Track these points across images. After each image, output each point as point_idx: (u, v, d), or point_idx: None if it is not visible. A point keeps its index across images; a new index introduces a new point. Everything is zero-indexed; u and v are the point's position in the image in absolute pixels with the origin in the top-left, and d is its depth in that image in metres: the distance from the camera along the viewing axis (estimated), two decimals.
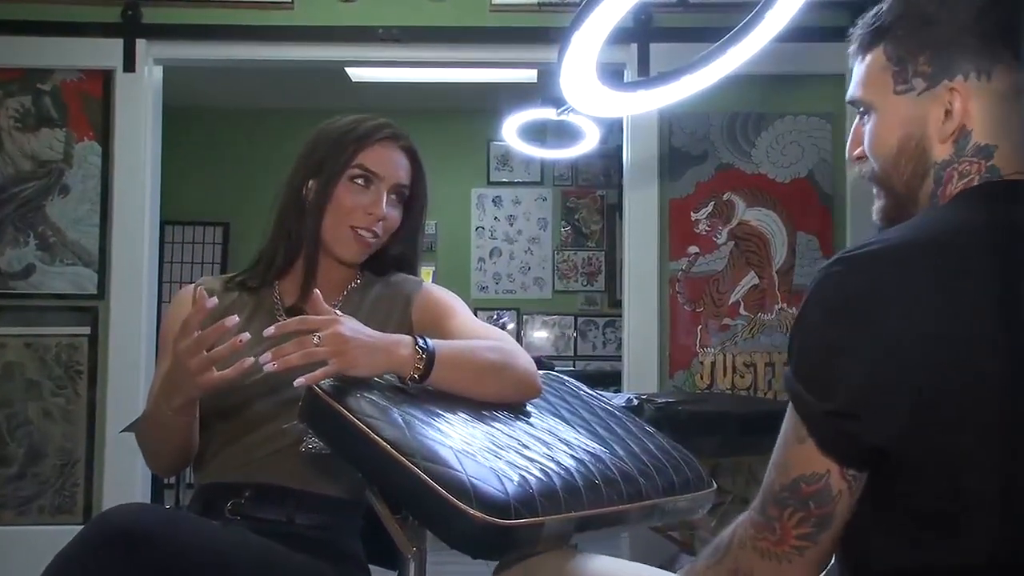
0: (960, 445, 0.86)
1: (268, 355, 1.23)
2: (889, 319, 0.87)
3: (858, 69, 1.06)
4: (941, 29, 0.97)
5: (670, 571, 1.14)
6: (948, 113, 0.98)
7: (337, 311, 1.32)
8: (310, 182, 1.58)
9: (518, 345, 1.47)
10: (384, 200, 1.56)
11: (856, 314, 0.88)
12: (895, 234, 0.94)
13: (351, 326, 1.26)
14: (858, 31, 1.05)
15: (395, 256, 1.66)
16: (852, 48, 1.07)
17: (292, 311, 1.58)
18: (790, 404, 0.94)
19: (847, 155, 1.11)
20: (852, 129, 1.10)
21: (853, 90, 1.07)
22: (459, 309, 1.57)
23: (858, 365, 0.87)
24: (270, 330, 1.27)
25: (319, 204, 1.56)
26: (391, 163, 1.58)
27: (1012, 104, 0.96)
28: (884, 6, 1.03)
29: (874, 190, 1.08)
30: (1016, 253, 0.87)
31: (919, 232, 0.94)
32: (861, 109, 1.07)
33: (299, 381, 1.21)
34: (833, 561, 1.01)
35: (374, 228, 1.56)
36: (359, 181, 1.56)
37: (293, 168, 1.61)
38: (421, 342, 1.30)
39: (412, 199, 1.63)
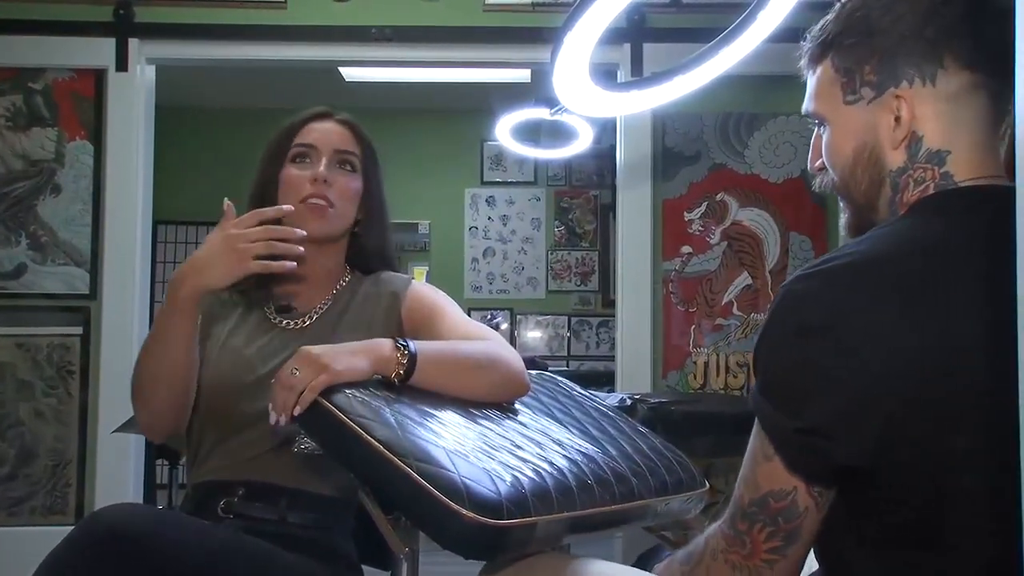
0: (933, 457, 0.86)
1: (272, 415, 1.23)
2: (856, 337, 0.87)
3: (810, 82, 1.07)
4: (883, 38, 0.98)
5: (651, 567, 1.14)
6: (897, 120, 0.98)
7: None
8: (260, 188, 1.61)
9: (506, 343, 1.47)
10: (324, 163, 1.58)
11: (822, 332, 0.88)
12: (856, 248, 0.94)
13: (318, 347, 1.25)
14: (806, 45, 1.06)
15: (372, 247, 1.66)
16: (802, 62, 1.08)
17: (282, 309, 1.61)
18: (756, 421, 0.94)
19: (808, 166, 1.12)
20: (812, 141, 1.11)
21: (807, 103, 1.08)
22: (449, 308, 1.57)
23: (828, 384, 0.87)
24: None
25: (270, 196, 1.58)
26: (324, 133, 1.62)
27: (961, 109, 0.97)
28: (829, 19, 1.04)
29: (840, 203, 1.09)
30: (975, 263, 0.87)
31: (878, 245, 0.94)
32: (816, 121, 1.08)
33: (297, 410, 1.20)
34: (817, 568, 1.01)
35: (324, 194, 1.57)
36: (299, 159, 1.60)
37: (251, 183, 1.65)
38: (401, 341, 1.30)
39: (365, 175, 1.64)
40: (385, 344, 1.30)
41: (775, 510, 0.92)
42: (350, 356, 1.25)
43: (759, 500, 0.92)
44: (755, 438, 0.94)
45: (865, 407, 0.86)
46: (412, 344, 1.30)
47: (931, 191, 0.97)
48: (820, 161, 1.09)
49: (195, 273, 1.41)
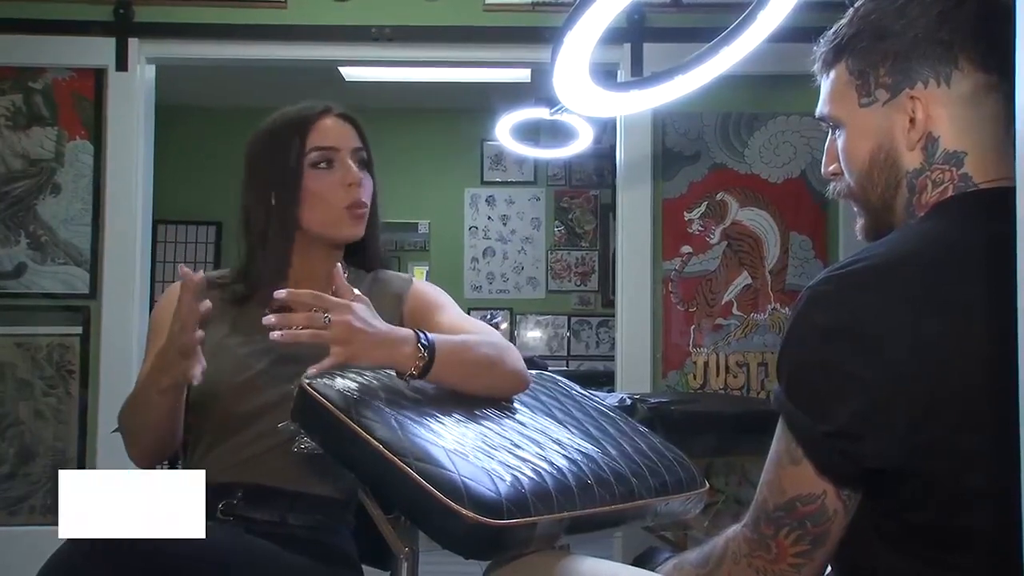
0: (955, 457, 0.86)
1: (272, 318, 1.22)
2: (879, 338, 0.87)
3: (824, 86, 1.08)
4: (897, 40, 0.99)
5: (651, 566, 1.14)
6: (912, 121, 0.99)
7: (357, 291, 1.31)
8: (273, 192, 1.56)
9: (506, 340, 1.48)
10: (353, 167, 1.56)
11: (846, 334, 0.89)
12: (881, 250, 0.94)
13: (362, 315, 1.25)
14: (820, 50, 1.07)
15: (371, 243, 1.64)
16: (816, 67, 1.08)
17: (278, 309, 1.58)
18: (781, 423, 0.94)
19: (822, 171, 1.12)
20: (826, 146, 1.11)
21: (821, 107, 1.08)
22: (447, 305, 1.58)
23: (853, 386, 0.87)
24: (281, 293, 1.26)
25: (291, 206, 1.54)
26: (339, 132, 1.58)
27: (977, 109, 0.97)
28: (843, 23, 1.04)
29: (854, 208, 1.09)
30: (998, 265, 0.88)
31: (901, 247, 0.94)
32: (831, 125, 1.08)
33: (312, 371, 1.21)
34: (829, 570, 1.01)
35: (363, 199, 1.56)
36: (321, 165, 1.55)
37: (246, 185, 1.59)
38: (424, 340, 1.29)
39: (368, 164, 1.62)
40: (409, 344, 1.28)
41: (803, 514, 0.91)
42: (374, 348, 1.24)
43: (785, 504, 0.92)
44: (779, 441, 0.94)
45: (890, 408, 0.86)
46: (432, 339, 1.30)
47: (950, 193, 0.98)
48: (834, 166, 1.09)
49: (170, 369, 1.35)
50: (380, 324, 1.28)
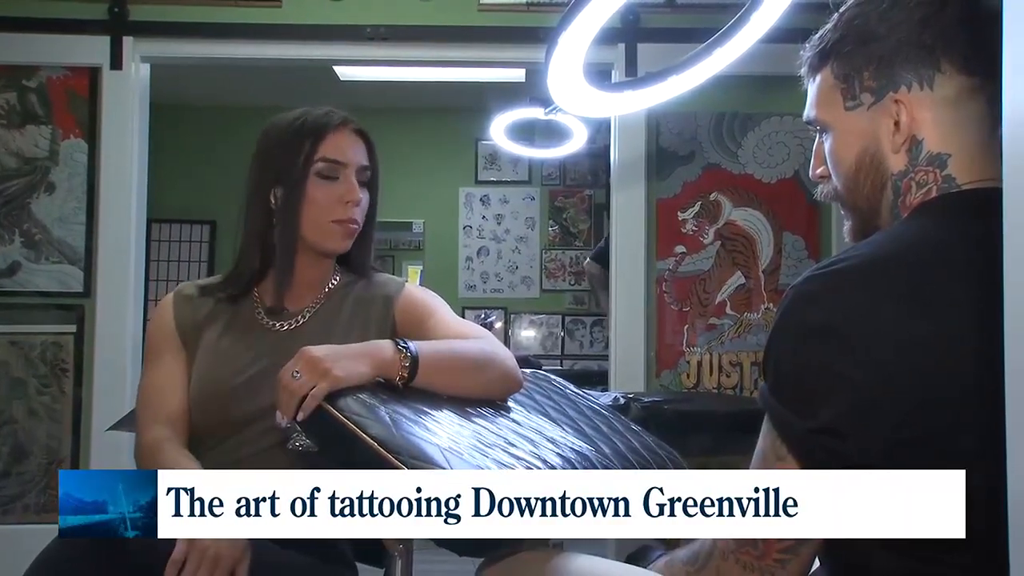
0: (943, 456, 0.86)
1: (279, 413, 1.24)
2: (863, 337, 0.88)
3: (810, 90, 1.09)
4: (881, 44, 1.00)
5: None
6: (897, 124, 1.00)
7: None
8: (275, 189, 1.56)
9: (497, 341, 1.49)
10: (355, 184, 1.56)
11: (831, 333, 0.89)
12: (865, 249, 0.95)
13: (321, 348, 1.25)
14: (806, 54, 1.08)
15: (363, 250, 1.65)
16: (803, 71, 1.10)
17: (272, 311, 1.59)
18: (767, 420, 0.94)
19: (810, 174, 1.14)
20: (813, 149, 1.12)
21: (808, 111, 1.10)
22: (440, 309, 1.58)
23: (838, 384, 0.88)
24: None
25: (292, 208, 1.54)
26: (350, 147, 1.58)
27: (960, 112, 0.98)
28: (828, 28, 1.06)
29: (841, 210, 1.10)
30: (981, 264, 0.89)
31: (885, 246, 0.95)
32: (819, 128, 1.09)
33: (300, 416, 1.21)
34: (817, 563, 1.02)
35: (356, 217, 1.57)
36: (326, 176, 1.56)
37: (251, 176, 1.59)
38: (402, 343, 1.30)
39: (371, 182, 1.63)
40: (386, 347, 1.30)
41: None
42: (352, 360, 1.24)
43: None
44: (764, 438, 0.95)
45: (875, 407, 0.86)
46: (412, 345, 1.31)
47: (934, 194, 0.99)
48: (822, 169, 1.10)
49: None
50: (348, 345, 1.29)
